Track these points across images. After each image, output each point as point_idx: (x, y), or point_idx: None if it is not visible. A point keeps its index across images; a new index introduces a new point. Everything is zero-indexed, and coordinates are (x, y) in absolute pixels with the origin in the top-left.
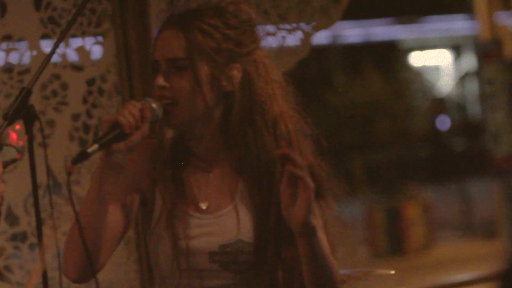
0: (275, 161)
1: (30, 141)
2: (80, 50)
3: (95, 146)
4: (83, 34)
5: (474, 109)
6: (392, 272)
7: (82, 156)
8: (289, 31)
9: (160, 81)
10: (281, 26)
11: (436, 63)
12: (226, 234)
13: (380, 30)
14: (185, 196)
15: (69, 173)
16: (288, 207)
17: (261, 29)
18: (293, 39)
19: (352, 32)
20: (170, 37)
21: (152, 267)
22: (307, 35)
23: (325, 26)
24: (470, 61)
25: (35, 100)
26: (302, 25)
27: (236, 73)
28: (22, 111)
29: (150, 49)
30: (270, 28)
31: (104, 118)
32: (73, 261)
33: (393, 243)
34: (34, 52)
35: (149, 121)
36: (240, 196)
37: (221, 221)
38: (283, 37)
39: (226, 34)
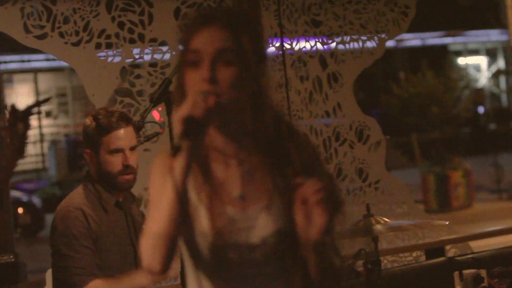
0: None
1: (169, 119)
2: None
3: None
4: None
5: (505, 99)
6: (447, 222)
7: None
8: (368, 38)
9: (210, 73)
10: (362, 33)
11: (476, 63)
12: (266, 227)
13: (434, 39)
14: (221, 191)
15: None
16: (302, 226)
17: (347, 36)
18: (370, 44)
19: (413, 41)
20: (219, 33)
21: (186, 261)
22: (382, 41)
23: (396, 34)
24: (501, 62)
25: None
26: (378, 33)
27: (266, 73)
28: (164, 96)
29: (183, 41)
30: (354, 36)
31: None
32: (160, 256)
33: (442, 202)
34: (174, 53)
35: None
36: (273, 189)
37: (260, 215)
38: (363, 42)
39: (261, 36)
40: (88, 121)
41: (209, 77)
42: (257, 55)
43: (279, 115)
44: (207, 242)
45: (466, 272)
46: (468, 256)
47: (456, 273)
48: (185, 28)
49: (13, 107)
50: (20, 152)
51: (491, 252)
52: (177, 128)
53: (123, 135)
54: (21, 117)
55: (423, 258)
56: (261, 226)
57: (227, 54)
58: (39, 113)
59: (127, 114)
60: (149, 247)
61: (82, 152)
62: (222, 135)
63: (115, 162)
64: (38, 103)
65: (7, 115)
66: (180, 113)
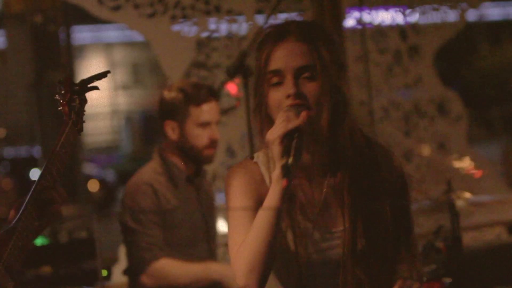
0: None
1: (246, 92)
2: None
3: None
4: (288, 9)
5: None
6: None
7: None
8: (450, 7)
9: (295, 88)
10: (443, 4)
11: None
12: (345, 247)
13: None
14: (303, 211)
15: None
16: None
17: (429, 6)
18: (452, 16)
19: (494, 11)
20: (297, 48)
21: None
22: (463, 12)
23: (477, 4)
24: None
25: (251, 60)
26: (460, 4)
27: (346, 80)
28: (241, 69)
29: (261, 60)
30: (435, 6)
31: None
32: (261, 275)
33: None
34: (250, 23)
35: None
36: (351, 211)
37: (341, 236)
38: (445, 12)
39: (338, 44)
40: (173, 92)
41: (295, 93)
42: (337, 64)
43: (358, 129)
44: (292, 262)
45: None
46: None
47: None
48: (261, 46)
49: (67, 80)
50: (79, 128)
51: None
52: (276, 148)
53: (212, 109)
54: (77, 91)
55: (504, 234)
56: (340, 246)
57: (308, 70)
58: (95, 88)
59: (214, 88)
60: (247, 266)
61: (160, 125)
62: (308, 151)
63: (202, 135)
64: (95, 77)
65: (62, 90)
66: (277, 131)
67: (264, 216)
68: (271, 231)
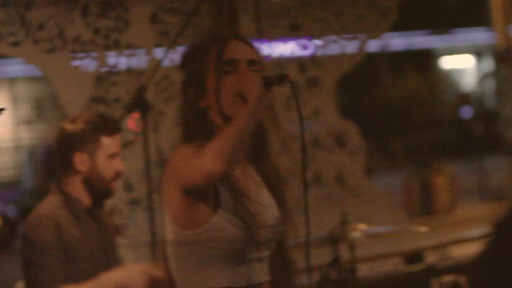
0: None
1: (145, 127)
2: None
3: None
4: (187, 43)
5: (491, 101)
6: (425, 229)
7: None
8: (349, 39)
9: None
10: (342, 36)
11: (462, 66)
12: (272, 211)
13: (418, 40)
14: (244, 183)
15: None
16: None
17: (328, 38)
18: (351, 47)
19: (397, 41)
20: (245, 44)
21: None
22: (363, 43)
23: (377, 36)
24: (488, 64)
25: (150, 95)
26: (359, 35)
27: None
28: (139, 103)
29: (217, 50)
30: (334, 37)
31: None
32: (230, 159)
33: (425, 206)
34: (149, 58)
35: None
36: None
37: (265, 202)
38: (344, 45)
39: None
40: (79, 124)
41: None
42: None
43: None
44: (242, 226)
45: (445, 278)
46: (448, 262)
47: (434, 280)
48: (209, 44)
49: None
50: None
51: (472, 258)
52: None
53: (119, 140)
54: None
55: (401, 265)
56: (270, 210)
57: (255, 64)
58: None
59: (118, 121)
60: (217, 151)
61: (67, 158)
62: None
63: (112, 167)
64: None
65: None
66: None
67: (245, 114)
68: (248, 128)
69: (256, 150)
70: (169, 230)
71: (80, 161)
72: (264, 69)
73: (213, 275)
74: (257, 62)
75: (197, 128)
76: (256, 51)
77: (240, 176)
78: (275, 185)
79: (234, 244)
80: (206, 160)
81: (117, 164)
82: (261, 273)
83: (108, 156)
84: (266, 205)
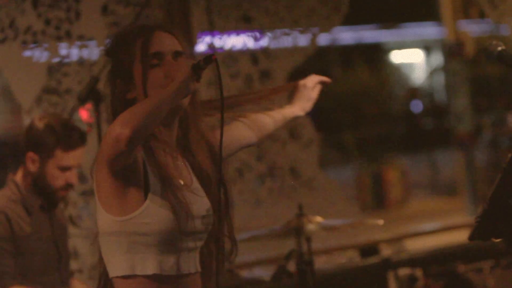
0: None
1: (98, 118)
2: None
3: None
4: None
5: (441, 95)
6: (382, 222)
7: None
8: (301, 32)
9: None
10: (294, 29)
11: (411, 60)
12: (203, 202)
13: (368, 34)
14: (173, 173)
15: None
16: None
17: (278, 31)
18: (303, 40)
19: (346, 35)
20: (169, 36)
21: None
22: (315, 37)
23: (328, 29)
24: (438, 58)
25: (102, 86)
26: (311, 29)
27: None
28: (92, 94)
29: (143, 43)
30: (286, 30)
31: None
32: (137, 127)
33: (377, 199)
34: (102, 49)
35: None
36: (194, 176)
37: (197, 193)
38: (296, 38)
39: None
40: (43, 127)
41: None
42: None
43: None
44: (172, 215)
45: (401, 272)
46: (403, 255)
47: (390, 273)
48: (132, 36)
49: None
50: None
51: (427, 251)
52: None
53: (78, 155)
54: None
55: (357, 258)
56: (202, 201)
57: (181, 55)
58: None
59: (85, 134)
60: (128, 118)
61: (22, 153)
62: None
63: (61, 178)
64: None
65: None
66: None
67: (165, 92)
68: (163, 104)
69: (182, 142)
70: (100, 217)
71: (31, 161)
72: (193, 58)
73: (142, 262)
74: (182, 53)
75: None
76: (181, 42)
77: (171, 164)
78: (204, 178)
79: (163, 232)
80: (115, 125)
81: (69, 176)
82: (191, 263)
83: (59, 167)
84: (198, 195)
